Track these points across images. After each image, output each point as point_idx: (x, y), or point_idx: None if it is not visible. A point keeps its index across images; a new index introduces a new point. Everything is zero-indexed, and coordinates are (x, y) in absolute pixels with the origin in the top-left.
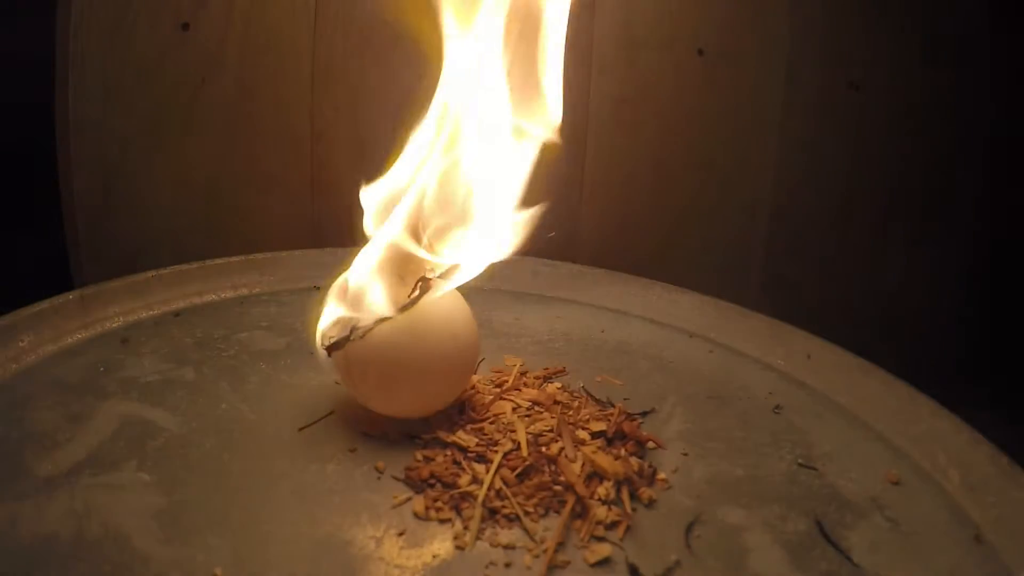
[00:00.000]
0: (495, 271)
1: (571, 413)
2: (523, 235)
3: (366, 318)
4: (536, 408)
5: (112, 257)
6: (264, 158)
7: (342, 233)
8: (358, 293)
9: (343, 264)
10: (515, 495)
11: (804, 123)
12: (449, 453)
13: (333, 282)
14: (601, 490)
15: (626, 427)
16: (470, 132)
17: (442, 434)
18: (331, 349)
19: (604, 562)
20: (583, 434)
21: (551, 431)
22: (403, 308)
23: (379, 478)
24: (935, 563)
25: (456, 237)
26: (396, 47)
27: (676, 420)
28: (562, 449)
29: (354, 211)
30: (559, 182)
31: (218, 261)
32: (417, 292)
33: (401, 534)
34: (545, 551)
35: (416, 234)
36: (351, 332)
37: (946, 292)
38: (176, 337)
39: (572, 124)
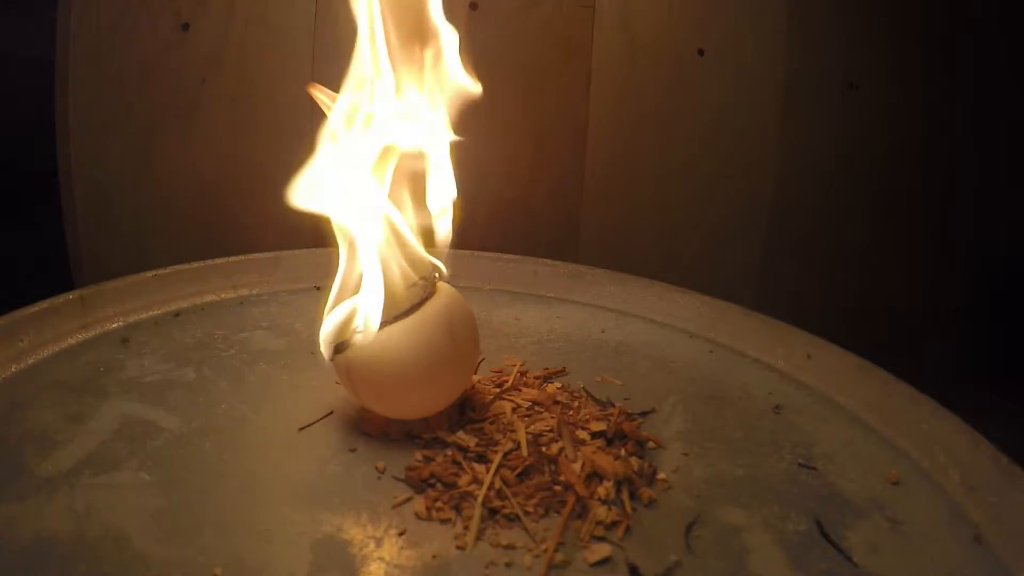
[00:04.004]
0: (495, 271)
1: (571, 413)
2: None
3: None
4: (536, 408)
5: (112, 257)
6: (264, 158)
7: None
8: (359, 296)
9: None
10: (515, 495)
11: (804, 123)
12: (449, 453)
13: (331, 283)
14: (601, 490)
15: (626, 427)
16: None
17: (442, 434)
18: (332, 353)
19: (604, 562)
20: (583, 434)
21: (551, 431)
22: (404, 313)
23: (379, 478)
24: (935, 563)
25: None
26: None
27: (676, 420)
28: (562, 449)
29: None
30: (559, 182)
31: (218, 261)
32: (418, 293)
33: (401, 534)
34: (545, 551)
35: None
36: (352, 335)
37: (946, 292)
38: (176, 337)
39: (572, 124)
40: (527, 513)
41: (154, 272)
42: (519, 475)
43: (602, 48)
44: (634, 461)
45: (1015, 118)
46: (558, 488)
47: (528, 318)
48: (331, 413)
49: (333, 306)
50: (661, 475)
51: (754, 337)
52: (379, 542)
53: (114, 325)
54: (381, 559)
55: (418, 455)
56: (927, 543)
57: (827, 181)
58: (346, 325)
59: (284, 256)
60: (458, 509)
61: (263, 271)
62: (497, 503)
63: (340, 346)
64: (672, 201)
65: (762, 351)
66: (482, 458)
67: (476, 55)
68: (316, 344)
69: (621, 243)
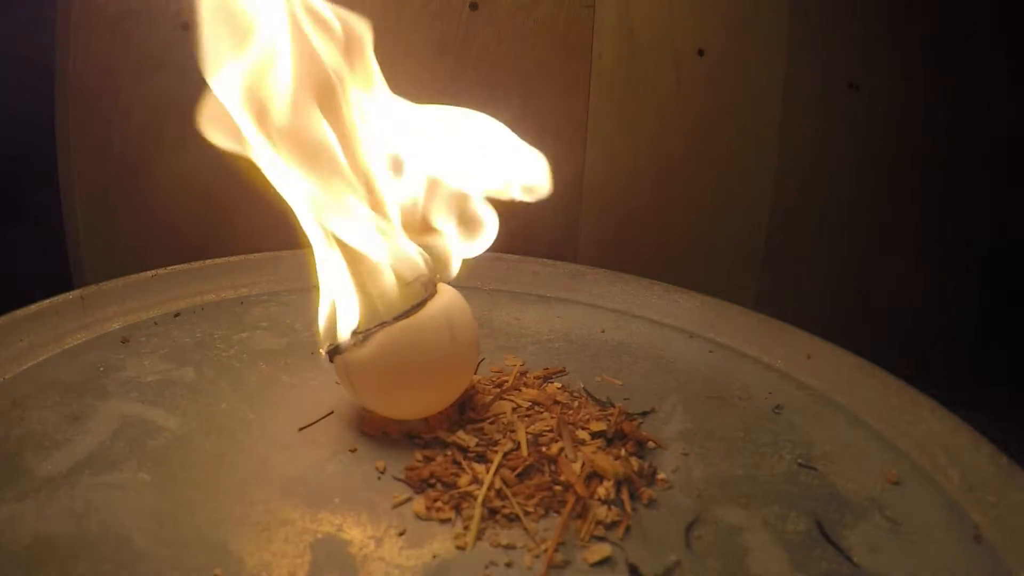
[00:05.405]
0: (495, 271)
1: (571, 413)
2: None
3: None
4: (536, 408)
5: (112, 257)
6: None
7: None
8: (357, 297)
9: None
10: (515, 495)
11: (804, 123)
12: (449, 453)
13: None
14: (601, 490)
15: (626, 427)
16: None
17: (442, 434)
18: (332, 354)
19: (604, 562)
20: (583, 434)
21: (551, 431)
22: (404, 314)
23: (379, 478)
24: (935, 563)
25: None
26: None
27: (676, 420)
28: (562, 449)
29: None
30: (559, 182)
31: (218, 261)
32: (418, 293)
33: (401, 534)
34: (545, 551)
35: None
36: (351, 336)
37: (946, 292)
38: (176, 337)
39: (573, 124)
40: (527, 513)
41: (154, 272)
42: (519, 475)
43: (602, 48)
44: (634, 461)
45: (1015, 118)
46: (558, 488)
47: (528, 318)
48: (331, 413)
49: (327, 305)
50: (661, 475)
51: (754, 337)
52: (379, 542)
53: (114, 325)
54: (381, 559)
55: (418, 455)
56: (927, 543)
57: (827, 181)
58: (337, 327)
59: (284, 256)
60: (458, 509)
61: (263, 271)
62: (497, 503)
63: (336, 348)
64: (672, 201)
65: (762, 351)
66: (482, 458)
67: (476, 55)
68: (316, 344)
69: (621, 243)
